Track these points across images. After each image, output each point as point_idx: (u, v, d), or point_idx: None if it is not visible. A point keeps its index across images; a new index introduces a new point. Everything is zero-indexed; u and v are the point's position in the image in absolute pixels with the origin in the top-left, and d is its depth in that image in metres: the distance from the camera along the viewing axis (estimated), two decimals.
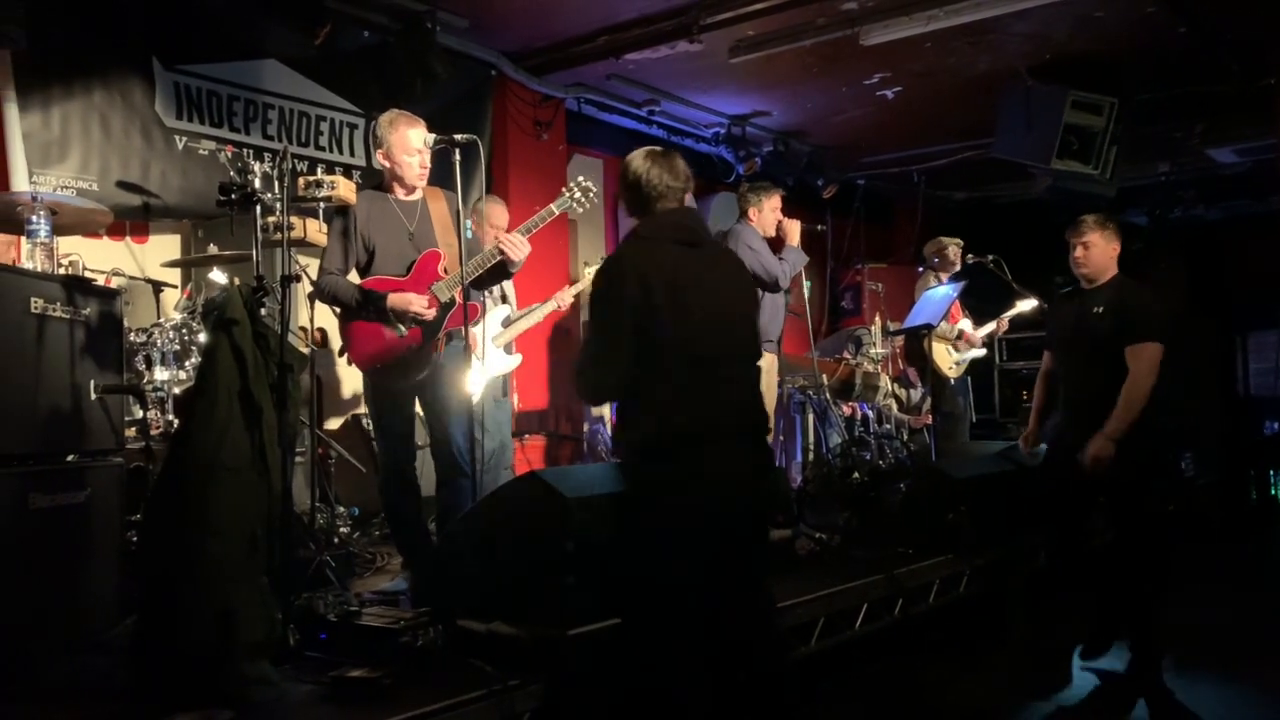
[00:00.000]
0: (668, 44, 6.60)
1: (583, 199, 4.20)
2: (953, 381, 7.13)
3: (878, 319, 6.95)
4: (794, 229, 5.65)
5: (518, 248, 4.01)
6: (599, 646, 3.07)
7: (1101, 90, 7.04)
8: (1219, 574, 7.02)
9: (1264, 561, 7.59)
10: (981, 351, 7.36)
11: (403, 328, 3.97)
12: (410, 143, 4.03)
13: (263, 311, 3.17)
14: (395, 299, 3.96)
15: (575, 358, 3.17)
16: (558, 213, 4.17)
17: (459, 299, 3.94)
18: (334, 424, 6.06)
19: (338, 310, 4.17)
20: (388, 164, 4.10)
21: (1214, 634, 5.33)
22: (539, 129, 7.25)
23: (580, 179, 4.26)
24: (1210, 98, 7.62)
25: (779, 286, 5.52)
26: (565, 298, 5.62)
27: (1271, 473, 9.92)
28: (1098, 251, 4.46)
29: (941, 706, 4.26)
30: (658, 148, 3.13)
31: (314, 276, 4.42)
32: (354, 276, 4.15)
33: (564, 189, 4.22)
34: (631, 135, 8.32)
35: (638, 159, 3.06)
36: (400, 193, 4.13)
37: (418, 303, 3.95)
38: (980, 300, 7.39)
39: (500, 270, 4.10)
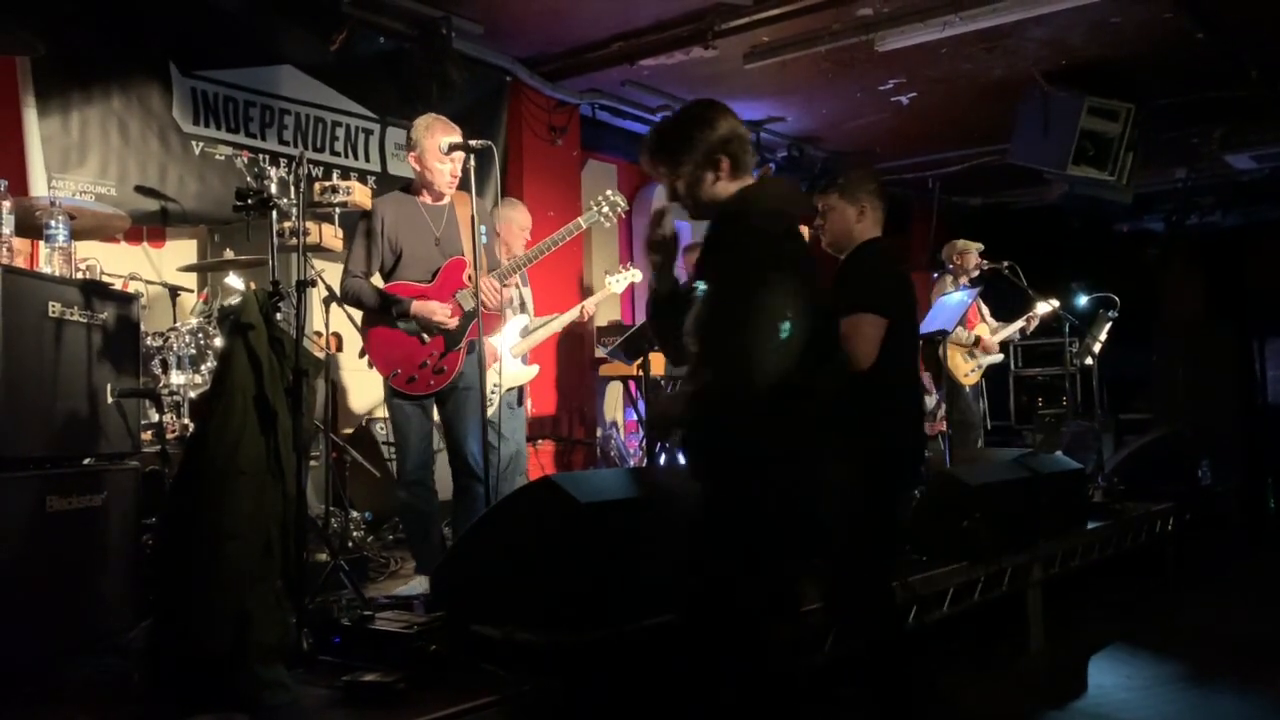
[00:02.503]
0: (683, 50, 6.60)
1: (610, 213, 4.20)
2: (967, 389, 7.11)
3: None
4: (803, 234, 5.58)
5: (490, 295, 3.99)
6: (614, 651, 3.06)
7: (1118, 96, 7.02)
8: (1236, 582, 6.98)
9: None
10: (999, 357, 7.34)
11: (426, 335, 3.98)
12: (444, 149, 4.03)
13: (278, 316, 3.17)
14: (419, 306, 3.96)
15: None
16: (585, 226, 4.18)
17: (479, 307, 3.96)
18: (348, 429, 6.08)
19: (360, 314, 4.18)
20: (419, 168, 4.10)
21: (1232, 642, 5.29)
22: (554, 135, 7.27)
23: (609, 192, 4.26)
24: (1228, 103, 7.58)
25: None
26: (591, 305, 5.60)
27: None
28: (836, 216, 3.59)
29: (957, 714, 4.24)
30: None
31: (329, 282, 4.43)
32: (376, 279, 4.16)
33: (592, 202, 4.22)
34: None
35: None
36: (428, 198, 4.14)
37: (441, 311, 3.96)
38: (996, 306, 7.39)
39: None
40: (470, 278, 4.05)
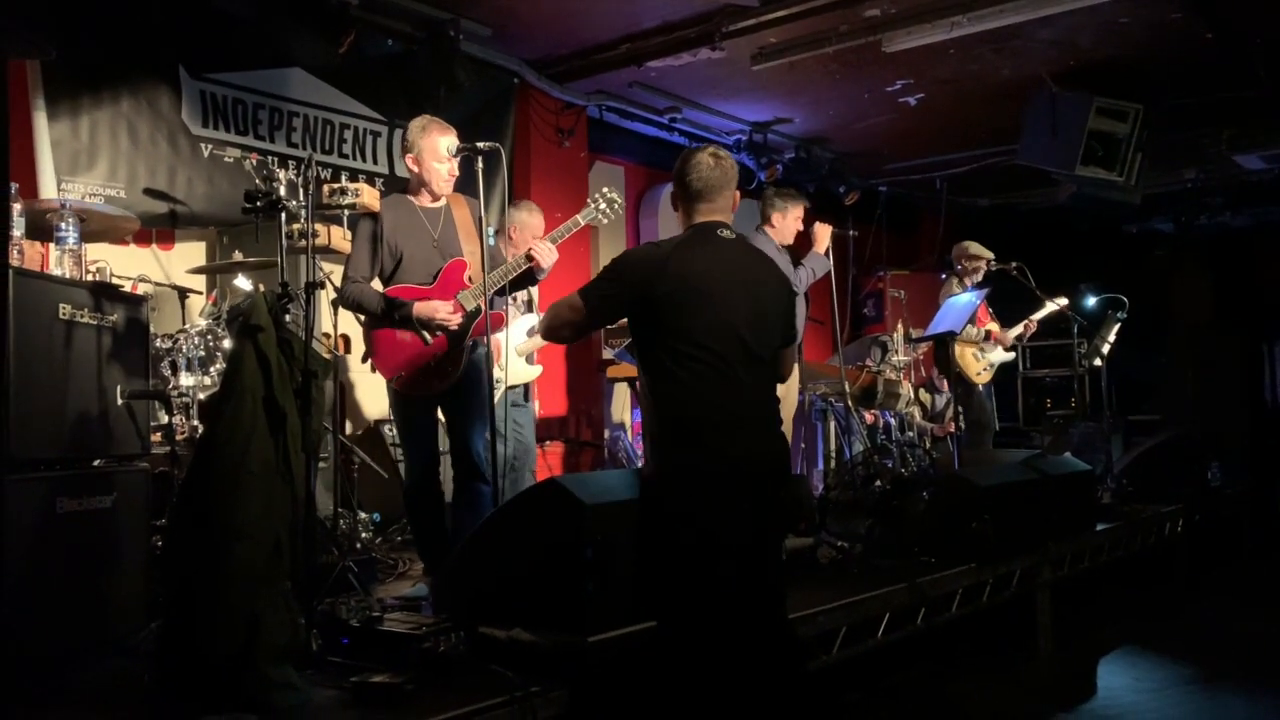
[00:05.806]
0: (690, 51, 6.61)
1: (608, 210, 4.20)
2: (980, 388, 7.09)
3: (900, 326, 6.91)
4: (823, 234, 5.52)
5: (546, 255, 4.02)
6: (620, 652, 3.06)
7: (1127, 97, 7.00)
8: (1246, 584, 6.96)
9: None
10: (1009, 355, 7.33)
11: (428, 336, 3.99)
12: (440, 149, 4.04)
13: (287, 318, 3.18)
14: (421, 308, 3.97)
15: None
16: (584, 223, 4.18)
17: (484, 307, 3.96)
18: (357, 430, 6.09)
19: (362, 317, 4.19)
20: (416, 169, 4.11)
21: (1242, 645, 5.28)
22: (561, 136, 7.27)
23: (605, 190, 4.26)
24: (1237, 103, 7.56)
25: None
26: None
27: None
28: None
29: (966, 716, 4.23)
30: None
31: (338, 283, 4.44)
32: (377, 282, 4.17)
33: (589, 200, 4.22)
34: (653, 143, 8.33)
35: None
36: (426, 199, 4.15)
37: (443, 311, 3.96)
38: (1004, 306, 7.38)
39: (526, 277, 4.11)
40: (471, 278, 4.05)
